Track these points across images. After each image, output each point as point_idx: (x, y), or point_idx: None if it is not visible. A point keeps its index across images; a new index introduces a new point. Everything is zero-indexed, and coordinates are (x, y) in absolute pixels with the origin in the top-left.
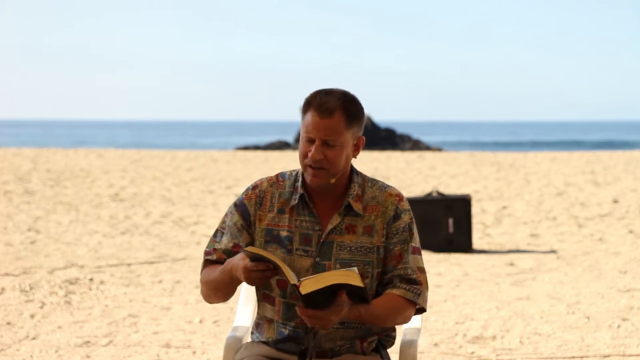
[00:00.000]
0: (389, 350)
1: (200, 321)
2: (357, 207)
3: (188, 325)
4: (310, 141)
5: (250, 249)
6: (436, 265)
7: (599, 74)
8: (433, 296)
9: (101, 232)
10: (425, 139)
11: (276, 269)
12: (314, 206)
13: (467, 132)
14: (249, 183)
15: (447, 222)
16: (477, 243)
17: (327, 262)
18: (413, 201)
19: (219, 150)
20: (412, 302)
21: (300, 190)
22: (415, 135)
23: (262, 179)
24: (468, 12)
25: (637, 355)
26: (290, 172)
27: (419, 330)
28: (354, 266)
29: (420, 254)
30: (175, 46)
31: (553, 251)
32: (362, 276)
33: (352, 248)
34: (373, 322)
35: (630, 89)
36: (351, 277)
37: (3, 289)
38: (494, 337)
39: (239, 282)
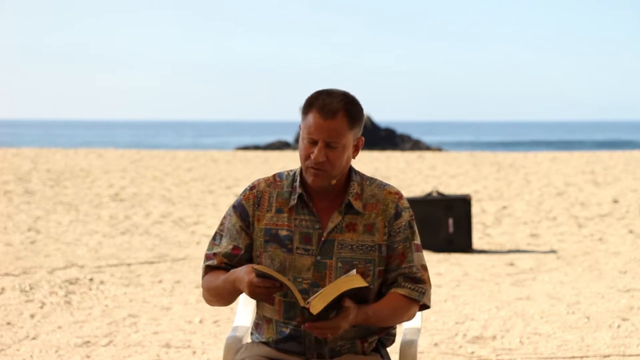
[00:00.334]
0: (389, 350)
1: (200, 321)
2: (357, 205)
3: (188, 325)
4: (313, 142)
5: (260, 268)
6: (436, 265)
7: (599, 74)
8: (433, 296)
9: (101, 232)
10: (425, 139)
11: (282, 286)
12: (313, 205)
13: (467, 132)
14: (249, 183)
15: (447, 222)
16: (477, 243)
17: (329, 260)
18: (413, 201)
19: (219, 150)
20: (417, 300)
21: (299, 190)
22: (415, 135)
23: (259, 179)
24: (468, 12)
25: (637, 355)
26: (288, 172)
27: (419, 330)
28: (355, 264)
29: (422, 251)
30: (176, 46)
31: (553, 251)
32: (364, 274)
33: (353, 246)
34: (380, 323)
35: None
36: (354, 281)
37: (3, 289)
38: (494, 337)
39: (241, 292)
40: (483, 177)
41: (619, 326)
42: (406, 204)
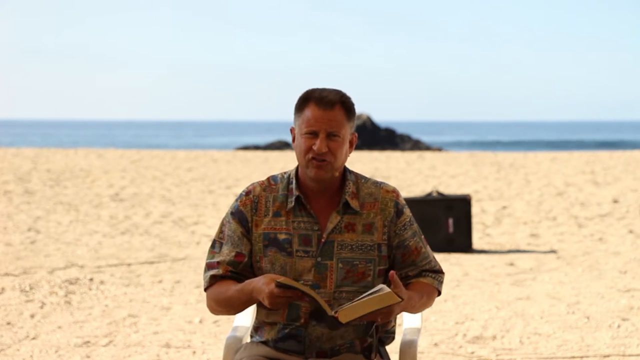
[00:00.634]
0: (389, 350)
1: (200, 321)
2: (354, 204)
3: (188, 325)
4: (313, 134)
5: (283, 280)
6: None
7: (599, 74)
8: None
9: (101, 232)
10: (425, 139)
11: (302, 295)
12: (311, 206)
13: (467, 132)
14: (249, 183)
15: (447, 222)
16: (477, 243)
17: (329, 261)
18: (413, 201)
19: (219, 150)
20: (437, 289)
21: (296, 192)
22: (415, 135)
23: (253, 184)
24: (468, 11)
25: (637, 355)
26: (282, 174)
27: (419, 330)
28: (356, 264)
29: (427, 243)
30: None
31: (553, 251)
32: (364, 274)
33: (353, 246)
34: (412, 309)
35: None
36: (388, 299)
37: (3, 289)
38: (494, 337)
39: (256, 302)
40: (483, 177)
41: (619, 326)
42: (404, 201)
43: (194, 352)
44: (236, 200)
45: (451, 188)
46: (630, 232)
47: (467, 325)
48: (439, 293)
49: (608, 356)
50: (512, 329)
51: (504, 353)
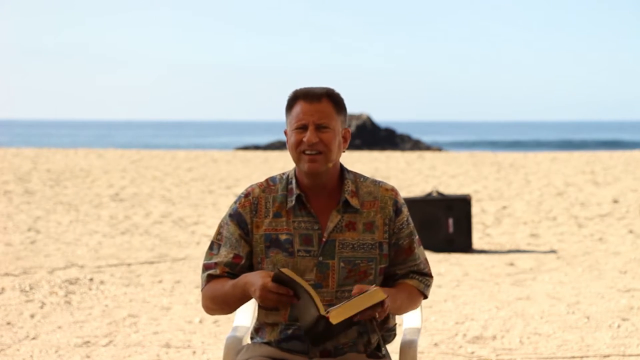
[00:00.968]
0: (389, 350)
1: (200, 321)
2: (354, 202)
3: (188, 325)
4: (303, 128)
5: (285, 271)
6: (436, 265)
7: (599, 74)
8: (433, 296)
9: (101, 232)
10: (425, 139)
11: (295, 298)
12: (311, 206)
13: (467, 132)
14: (248, 183)
15: (447, 222)
16: (477, 243)
17: (331, 260)
18: (413, 201)
19: (219, 150)
20: (422, 292)
21: (296, 191)
22: (415, 135)
23: (252, 185)
24: (468, 11)
25: (637, 355)
26: (280, 175)
27: (419, 330)
28: (357, 263)
29: (422, 245)
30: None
31: (553, 251)
32: (366, 273)
33: (355, 245)
34: (398, 312)
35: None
36: (375, 296)
37: (3, 289)
38: (494, 337)
39: (250, 299)
40: (483, 177)
41: (619, 326)
42: (402, 200)
43: (194, 352)
44: (235, 202)
45: (451, 188)
46: (630, 232)
47: (467, 325)
48: (425, 297)
49: (608, 356)
50: (512, 329)
51: (504, 353)
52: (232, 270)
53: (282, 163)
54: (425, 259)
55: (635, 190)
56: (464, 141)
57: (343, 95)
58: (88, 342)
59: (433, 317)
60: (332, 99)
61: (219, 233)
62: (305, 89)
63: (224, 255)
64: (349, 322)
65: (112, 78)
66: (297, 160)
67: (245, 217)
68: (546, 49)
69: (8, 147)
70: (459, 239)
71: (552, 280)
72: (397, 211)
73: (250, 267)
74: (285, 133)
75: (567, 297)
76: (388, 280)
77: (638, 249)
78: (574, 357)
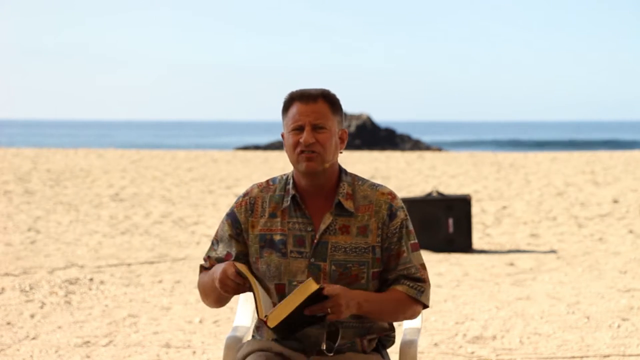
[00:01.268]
0: (389, 351)
1: (200, 321)
2: (348, 205)
3: (188, 325)
4: (299, 129)
5: (241, 267)
6: (436, 265)
7: (599, 74)
8: (433, 296)
9: (101, 232)
10: (425, 139)
11: (250, 289)
12: (306, 207)
13: (467, 132)
14: (249, 183)
15: (447, 222)
16: (477, 243)
17: (322, 262)
18: (413, 201)
19: (219, 150)
20: (415, 299)
21: (292, 191)
22: (415, 135)
23: (252, 185)
24: (468, 11)
25: (637, 355)
26: (281, 176)
27: (419, 330)
28: (349, 267)
29: (419, 249)
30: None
31: (553, 251)
32: (358, 277)
33: (347, 249)
34: (380, 316)
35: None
36: (308, 288)
37: (3, 289)
38: (494, 337)
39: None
40: (483, 177)
41: (619, 326)
42: (400, 204)
43: (194, 352)
44: (235, 201)
45: (451, 188)
46: (630, 232)
47: (467, 325)
48: (423, 304)
49: (608, 356)
50: (512, 329)
51: (504, 353)
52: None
53: (282, 163)
54: (421, 265)
55: (635, 190)
56: (464, 141)
57: (343, 96)
58: (88, 342)
59: (433, 317)
60: (327, 100)
61: (217, 230)
62: (300, 90)
63: (219, 251)
64: (304, 318)
65: (112, 78)
66: (294, 161)
67: (239, 217)
68: (546, 49)
69: (8, 147)
70: (459, 239)
71: (552, 280)
72: (392, 215)
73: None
74: (283, 136)
75: (567, 297)
76: (383, 285)
77: (638, 249)
78: (574, 357)
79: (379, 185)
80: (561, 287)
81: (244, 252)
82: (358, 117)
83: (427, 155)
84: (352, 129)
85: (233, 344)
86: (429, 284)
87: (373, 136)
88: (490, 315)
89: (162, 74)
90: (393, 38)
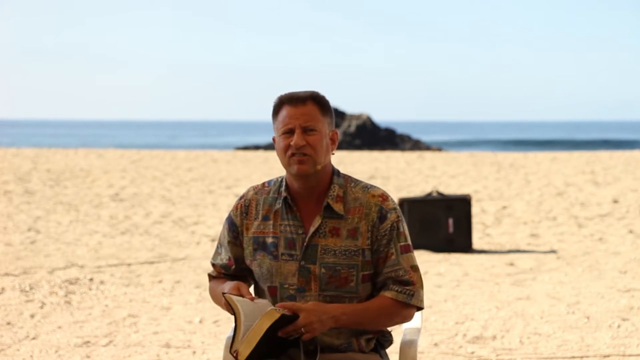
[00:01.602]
0: (388, 351)
1: (200, 321)
2: (337, 207)
3: (188, 325)
4: (289, 132)
5: (228, 297)
6: (436, 265)
7: (599, 74)
8: (433, 296)
9: (101, 232)
10: (425, 139)
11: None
12: (298, 210)
13: (467, 132)
14: (249, 183)
15: (447, 222)
16: (477, 243)
17: (312, 265)
18: (413, 201)
19: (219, 150)
20: (406, 303)
21: (284, 194)
22: (415, 135)
23: (249, 187)
24: (468, 12)
25: (637, 355)
26: (277, 178)
27: (419, 330)
28: (338, 269)
29: (411, 251)
30: (175, 46)
31: (553, 251)
32: (347, 280)
33: (337, 252)
34: (365, 324)
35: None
36: (270, 317)
37: (3, 289)
38: (494, 337)
39: None
40: (483, 177)
41: (619, 326)
42: (392, 205)
43: (194, 352)
44: (234, 203)
45: (451, 188)
46: (630, 232)
47: (467, 325)
48: (417, 307)
49: (608, 356)
50: (512, 329)
51: (504, 353)
52: (227, 271)
53: None
54: (411, 267)
55: (635, 190)
56: (464, 141)
57: (343, 96)
58: (88, 342)
59: (433, 317)
60: (316, 102)
61: (220, 233)
62: (289, 93)
63: (222, 257)
64: (279, 341)
65: (112, 78)
66: (286, 164)
67: (235, 220)
68: (546, 49)
69: (8, 147)
70: (459, 239)
71: (552, 280)
72: (382, 218)
73: (245, 268)
74: (274, 140)
75: (567, 297)
76: (374, 291)
77: (638, 249)
78: (574, 357)
79: (371, 186)
80: (561, 287)
81: (240, 255)
82: (358, 117)
83: (427, 155)
84: (352, 129)
85: None
86: (420, 285)
87: (373, 136)
88: (490, 315)
89: (162, 74)
90: (393, 38)
